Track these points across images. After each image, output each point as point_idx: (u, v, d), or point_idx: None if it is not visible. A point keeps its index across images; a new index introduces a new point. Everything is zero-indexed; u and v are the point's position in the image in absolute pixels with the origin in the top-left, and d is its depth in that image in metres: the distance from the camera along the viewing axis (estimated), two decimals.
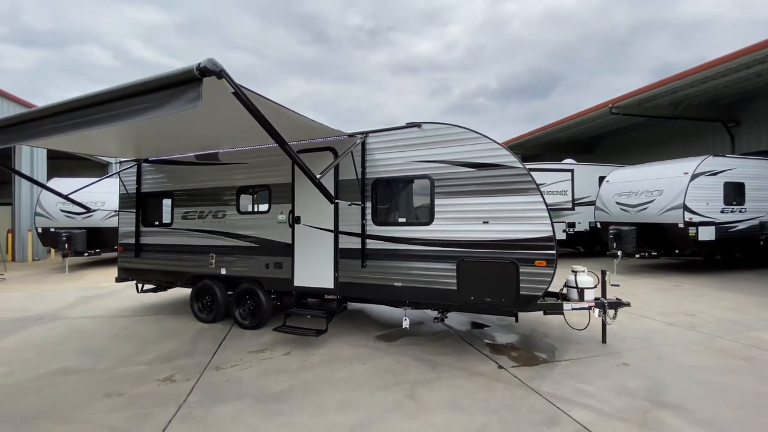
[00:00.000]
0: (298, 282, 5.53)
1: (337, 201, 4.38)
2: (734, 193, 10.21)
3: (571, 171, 13.74)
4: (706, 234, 9.71)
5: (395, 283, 4.92)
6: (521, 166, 4.38)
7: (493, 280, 4.41)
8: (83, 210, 7.22)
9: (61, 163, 17.67)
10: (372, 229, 5.09)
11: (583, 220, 14.23)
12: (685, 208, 9.56)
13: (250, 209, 6.04)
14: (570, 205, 13.71)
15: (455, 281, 4.58)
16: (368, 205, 5.13)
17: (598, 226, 12.50)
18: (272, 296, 5.95)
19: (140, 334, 5.77)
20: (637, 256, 10.53)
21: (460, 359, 4.62)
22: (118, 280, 7.33)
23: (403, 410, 3.42)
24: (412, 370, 4.29)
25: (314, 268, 5.41)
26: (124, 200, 7.23)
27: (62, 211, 13.15)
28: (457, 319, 6.25)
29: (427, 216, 4.80)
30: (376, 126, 4.71)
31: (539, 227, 4.26)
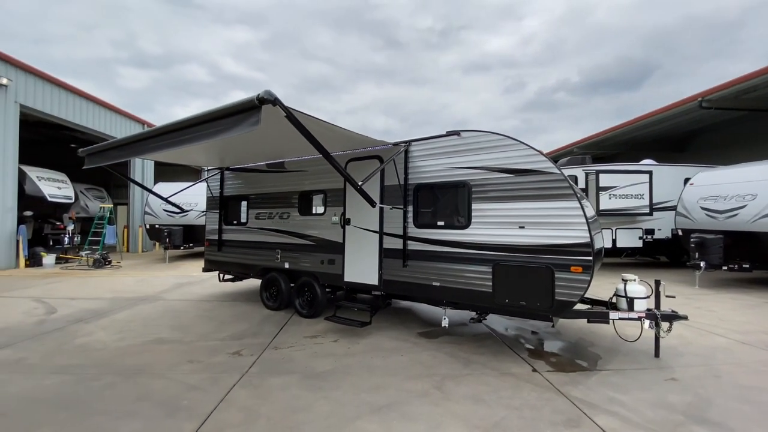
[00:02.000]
0: (347, 278, 6.08)
1: (378, 205, 4.80)
2: None
3: (649, 173, 12.62)
4: None
5: (434, 283, 5.22)
6: (558, 171, 4.42)
7: (528, 284, 4.50)
8: (178, 210, 8.56)
9: (165, 170, 20.64)
10: (413, 231, 5.44)
11: (663, 226, 12.97)
12: None
13: (309, 211, 6.75)
14: (647, 210, 12.61)
15: (491, 284, 4.75)
16: (410, 209, 5.49)
17: (680, 233, 11.35)
18: (327, 289, 6.59)
19: (219, 316, 6.77)
20: (725, 268, 9.43)
21: (495, 359, 4.77)
22: (205, 270, 8.58)
23: (428, 398, 3.74)
24: (445, 365, 4.56)
25: (361, 266, 5.92)
26: (210, 202, 8.46)
27: (165, 210, 15.46)
28: (502, 323, 6.33)
29: (464, 220, 5.02)
30: (446, 128, 5.06)
31: (576, 233, 4.26)
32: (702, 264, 9.47)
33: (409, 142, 5.58)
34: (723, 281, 10.43)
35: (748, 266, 9.33)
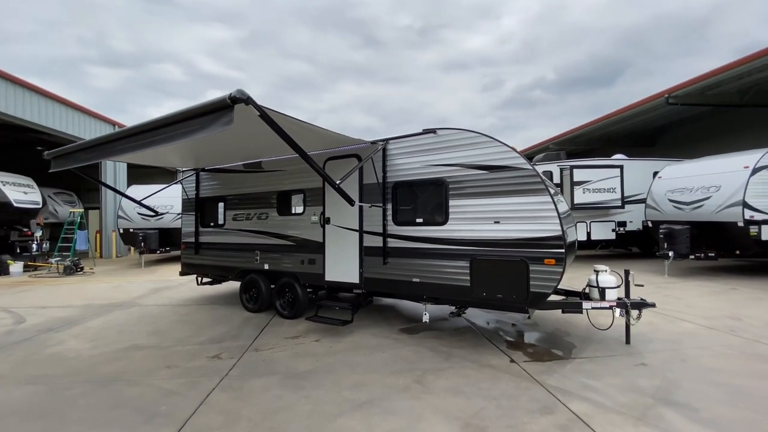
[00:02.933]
0: (328, 277, 6.07)
1: (357, 204, 4.83)
2: None
3: (620, 167, 13.07)
4: None
5: (414, 279, 5.28)
6: (530, 167, 4.53)
7: (504, 277, 4.61)
8: (153, 213, 8.36)
9: (139, 172, 20.04)
10: (392, 228, 5.49)
11: (635, 218, 13.46)
12: (745, 205, 8.82)
13: (288, 211, 6.70)
14: (619, 203, 13.06)
15: (469, 278, 4.84)
16: (389, 206, 5.53)
17: (650, 225, 11.81)
18: (308, 290, 6.57)
19: (197, 320, 6.65)
20: (692, 257, 9.87)
21: (475, 352, 4.87)
22: (182, 273, 8.40)
23: (409, 392, 3.79)
24: (426, 360, 4.63)
25: (342, 265, 5.93)
26: (186, 204, 8.28)
27: (139, 214, 15.02)
28: (482, 317, 6.45)
29: (442, 216, 5.10)
30: (427, 126, 5.10)
31: (548, 227, 4.39)
32: (670, 254, 9.88)
33: (386, 141, 5.61)
34: (690, 270, 10.92)
35: (713, 255, 9.80)
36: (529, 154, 21.08)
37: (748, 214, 8.81)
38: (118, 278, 11.95)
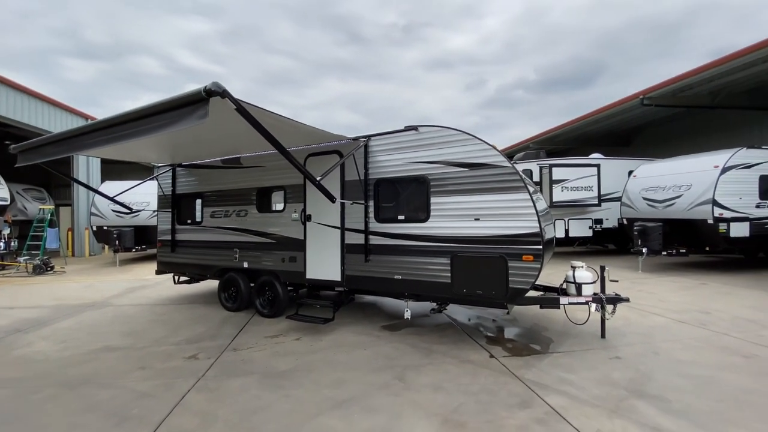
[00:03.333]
0: (309, 275, 6.01)
1: (338, 200, 4.78)
2: None
3: (597, 166, 13.39)
4: (739, 230, 9.27)
5: (395, 276, 5.27)
6: (510, 165, 4.59)
7: (484, 273, 4.65)
8: (127, 210, 8.10)
9: (113, 168, 19.39)
10: (374, 226, 5.47)
11: (611, 216, 13.82)
12: (715, 203, 9.17)
13: (268, 208, 6.58)
14: (596, 201, 13.39)
15: (449, 274, 4.87)
16: (371, 203, 5.50)
17: (625, 222, 12.15)
18: (289, 288, 6.48)
19: (174, 319, 6.48)
20: (665, 253, 10.20)
21: (456, 348, 4.91)
22: (158, 272, 8.17)
23: (389, 389, 3.78)
24: (407, 356, 4.63)
25: (324, 262, 5.87)
26: (162, 201, 8.05)
27: (113, 211, 14.54)
28: (463, 313, 6.51)
29: (423, 213, 5.10)
30: (411, 123, 5.07)
31: (526, 223, 4.45)
32: (644, 250, 10.19)
33: (368, 137, 5.58)
34: (663, 266, 11.30)
35: (684, 251, 10.16)
36: (510, 153, 21.38)
37: (717, 211, 9.16)
38: (90, 277, 11.54)
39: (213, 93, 3.17)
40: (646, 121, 18.91)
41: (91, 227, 15.21)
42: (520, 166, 13.34)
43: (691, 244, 10.21)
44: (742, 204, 9.35)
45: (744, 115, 15.22)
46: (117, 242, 13.69)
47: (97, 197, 14.69)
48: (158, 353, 4.91)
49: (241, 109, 3.41)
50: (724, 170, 9.26)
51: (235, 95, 3.35)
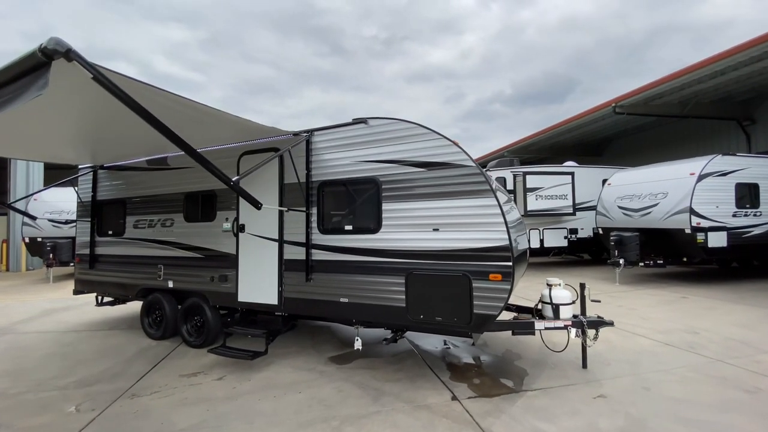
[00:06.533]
0: (242, 297, 5.02)
1: (264, 206, 3.85)
2: (748, 195, 9.34)
3: (572, 174, 12.97)
4: (717, 240, 8.87)
5: (341, 299, 4.37)
6: (473, 164, 3.80)
7: (444, 296, 3.82)
8: (32, 218, 6.91)
9: (60, 174, 17.73)
10: (317, 238, 4.56)
11: (586, 225, 13.41)
12: (692, 211, 8.75)
13: (196, 217, 5.58)
14: (571, 210, 12.93)
15: (404, 297, 4.01)
16: (313, 210, 4.61)
17: (600, 231, 11.70)
18: (223, 312, 5.47)
19: (79, 352, 5.35)
20: (642, 264, 9.71)
21: (413, 387, 4.03)
22: (75, 292, 6.97)
23: None
24: (350, 402, 3.72)
25: (259, 282, 4.91)
26: (80, 209, 6.90)
27: (50, 221, 13.06)
28: (426, 337, 5.64)
29: (373, 223, 4.25)
30: None
31: (493, 234, 3.66)
32: (621, 261, 9.68)
33: (311, 132, 4.71)
34: (641, 277, 10.84)
35: (662, 262, 9.69)
36: (484, 162, 20.98)
37: (695, 221, 8.73)
38: (11, 296, 10.07)
39: (54, 53, 2.24)
40: (618, 131, 18.91)
41: (24, 239, 13.60)
42: (494, 174, 12.77)
43: (668, 254, 9.77)
44: (719, 213, 8.97)
45: (713, 124, 15.28)
46: (51, 255, 12.19)
47: (32, 205, 13.15)
48: (31, 402, 3.81)
49: (102, 77, 2.47)
50: (701, 177, 8.88)
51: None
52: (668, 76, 12.45)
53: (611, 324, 4.39)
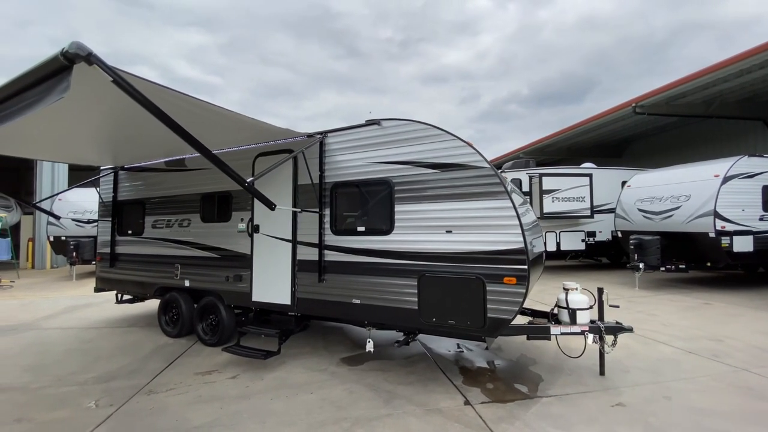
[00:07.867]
0: (256, 297, 5.08)
1: (278, 207, 3.88)
2: None
3: (589, 176, 12.70)
4: (743, 244, 8.55)
5: (353, 301, 4.37)
6: (488, 165, 3.75)
7: (457, 299, 3.77)
8: (56, 217, 7.10)
9: (83, 175, 18.31)
10: (330, 239, 4.58)
11: (604, 228, 13.09)
12: (717, 215, 8.45)
13: (212, 217, 5.66)
14: (588, 213, 12.66)
15: (416, 299, 3.98)
16: (327, 212, 4.62)
17: (619, 235, 11.41)
18: (237, 311, 5.54)
19: (99, 348, 5.48)
20: (663, 269, 9.43)
21: (425, 390, 3.99)
22: (96, 290, 7.17)
23: None
24: (361, 404, 3.71)
25: (272, 282, 4.95)
26: (102, 209, 7.10)
27: (73, 220, 13.47)
28: (439, 340, 5.59)
29: (386, 224, 4.23)
30: None
31: (509, 237, 3.60)
32: (641, 265, 9.42)
33: (324, 133, 4.73)
34: (661, 282, 10.52)
35: (684, 267, 9.39)
36: (499, 163, 20.74)
37: (719, 224, 8.43)
38: (36, 293, 10.42)
39: (76, 57, 2.31)
40: (638, 132, 18.41)
41: (48, 237, 14.06)
42: (509, 175, 12.61)
43: (690, 258, 9.45)
44: (745, 216, 8.65)
45: (737, 125, 14.75)
46: (74, 254, 12.57)
47: (56, 205, 13.61)
48: (52, 397, 3.92)
49: (121, 80, 2.53)
50: (726, 180, 8.57)
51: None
52: (691, 75, 12.07)
53: (630, 330, 4.27)
